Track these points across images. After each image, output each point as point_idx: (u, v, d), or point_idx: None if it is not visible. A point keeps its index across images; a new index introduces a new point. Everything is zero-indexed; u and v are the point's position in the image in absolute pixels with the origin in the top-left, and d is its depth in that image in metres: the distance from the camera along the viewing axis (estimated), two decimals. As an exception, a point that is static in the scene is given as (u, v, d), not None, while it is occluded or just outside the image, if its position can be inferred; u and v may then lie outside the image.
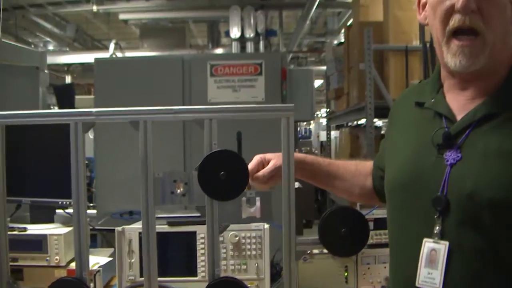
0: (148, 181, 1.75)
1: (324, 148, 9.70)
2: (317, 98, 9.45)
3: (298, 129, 12.07)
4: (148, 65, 4.96)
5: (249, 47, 7.37)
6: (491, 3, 1.44)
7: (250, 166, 1.84)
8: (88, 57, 8.97)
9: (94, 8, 8.10)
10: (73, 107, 6.76)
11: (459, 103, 1.54)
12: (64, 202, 2.79)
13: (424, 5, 1.62)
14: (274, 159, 1.85)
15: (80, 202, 1.64)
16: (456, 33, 1.46)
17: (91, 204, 5.12)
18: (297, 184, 2.62)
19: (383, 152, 1.84)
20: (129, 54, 9.34)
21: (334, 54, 6.54)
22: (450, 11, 1.46)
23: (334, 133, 8.92)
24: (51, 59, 10.20)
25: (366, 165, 1.98)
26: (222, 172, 1.66)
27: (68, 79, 11.06)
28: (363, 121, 5.98)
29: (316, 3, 7.32)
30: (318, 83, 13.41)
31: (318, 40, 11.93)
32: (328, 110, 8.56)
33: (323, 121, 13.35)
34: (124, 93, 4.81)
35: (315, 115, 18.91)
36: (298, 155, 1.94)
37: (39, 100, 4.75)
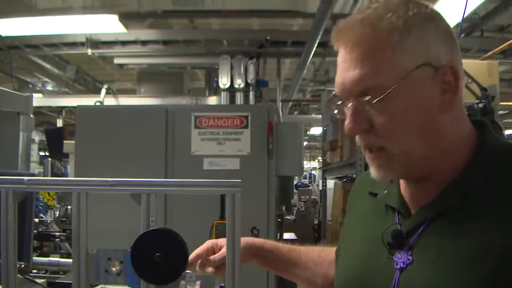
0: (80, 258, 1.61)
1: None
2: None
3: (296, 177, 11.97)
4: (132, 114, 4.85)
5: (238, 97, 7.27)
6: (384, 117, 1.25)
7: (199, 250, 1.70)
8: (83, 101, 8.88)
9: (89, 51, 8.05)
10: (61, 151, 6.70)
11: (414, 195, 1.36)
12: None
13: None
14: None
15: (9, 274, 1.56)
16: None
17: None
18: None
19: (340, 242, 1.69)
20: (123, 99, 9.26)
21: (329, 105, 6.46)
22: None
23: (331, 184, 8.81)
24: (46, 102, 10.19)
25: (330, 252, 1.80)
26: (157, 254, 1.51)
27: (60, 122, 10.99)
28: (356, 175, 5.83)
29: (312, 53, 7.26)
30: (319, 130, 13.38)
31: (320, 88, 11.85)
32: (323, 161, 8.45)
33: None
34: (106, 142, 4.70)
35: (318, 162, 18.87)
36: (256, 240, 1.82)
37: (19, 146, 4.63)
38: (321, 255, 1.81)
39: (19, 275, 2.90)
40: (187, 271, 1.57)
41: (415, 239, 1.28)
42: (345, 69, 1.27)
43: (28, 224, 2.50)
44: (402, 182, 1.41)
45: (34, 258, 3.82)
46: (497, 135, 1.35)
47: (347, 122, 1.27)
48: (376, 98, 1.23)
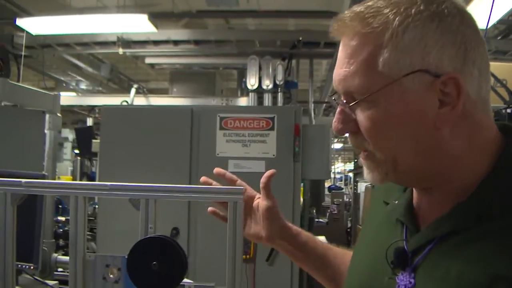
0: (77, 264, 1.57)
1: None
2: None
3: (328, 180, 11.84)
4: (157, 115, 4.81)
5: (267, 98, 7.18)
6: (368, 123, 1.14)
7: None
8: (114, 100, 8.90)
9: (120, 50, 8.06)
10: (90, 150, 6.71)
11: (426, 207, 1.24)
12: (25, 266, 2.62)
13: None
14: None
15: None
16: None
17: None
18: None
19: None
20: (153, 99, 9.26)
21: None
22: None
23: (363, 187, 8.70)
24: (77, 101, 10.26)
25: None
26: (154, 262, 1.45)
27: (90, 121, 11.06)
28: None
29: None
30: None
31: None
32: (355, 163, 8.36)
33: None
34: (131, 143, 4.67)
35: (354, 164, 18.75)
36: (293, 228, 1.72)
37: (47, 145, 4.62)
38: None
39: (28, 276, 2.89)
40: (185, 280, 1.50)
41: (419, 260, 1.16)
42: (338, 65, 1.18)
43: (38, 226, 2.47)
44: (415, 193, 1.29)
45: (59, 257, 3.83)
46: None
47: (334, 120, 1.20)
48: (357, 101, 1.14)
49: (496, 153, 1.16)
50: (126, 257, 1.48)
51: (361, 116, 1.14)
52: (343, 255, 1.71)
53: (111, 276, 1.57)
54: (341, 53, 1.17)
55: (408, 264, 1.17)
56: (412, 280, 1.15)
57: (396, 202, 1.33)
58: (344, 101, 1.17)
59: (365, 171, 1.23)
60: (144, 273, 1.45)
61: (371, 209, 1.56)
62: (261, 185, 1.59)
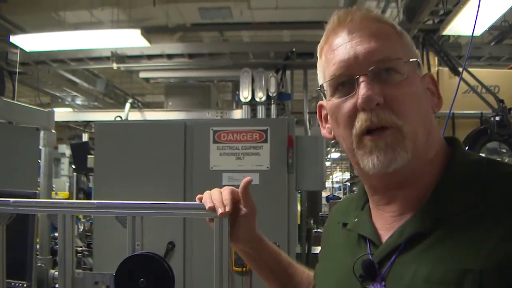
0: (66, 282, 1.57)
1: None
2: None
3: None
4: (150, 129, 4.81)
5: (260, 111, 7.18)
6: (400, 89, 1.22)
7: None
8: (108, 116, 8.88)
9: (114, 65, 8.07)
10: (86, 166, 6.72)
11: (385, 220, 1.30)
12: (18, 284, 2.62)
13: (326, 117, 1.40)
14: None
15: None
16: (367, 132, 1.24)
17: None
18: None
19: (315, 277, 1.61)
20: (148, 113, 9.26)
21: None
22: (353, 112, 1.24)
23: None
24: (72, 116, 10.26)
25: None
26: (141, 279, 1.46)
27: (85, 137, 11.06)
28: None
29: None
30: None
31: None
32: (351, 173, 8.36)
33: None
34: (125, 158, 4.67)
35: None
36: (265, 240, 1.72)
37: (42, 161, 4.64)
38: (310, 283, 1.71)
39: (21, 295, 2.89)
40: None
41: (387, 268, 1.21)
42: (356, 44, 1.26)
43: (30, 245, 2.48)
44: (373, 209, 1.35)
45: (56, 273, 3.83)
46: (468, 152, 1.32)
47: (364, 91, 1.21)
48: (393, 71, 1.24)
49: (444, 162, 1.27)
50: (114, 274, 1.49)
51: (396, 87, 1.23)
52: (302, 273, 1.75)
53: (100, 293, 1.58)
54: (360, 33, 1.27)
55: (377, 275, 1.21)
56: None
57: (356, 219, 1.38)
58: (374, 73, 1.23)
59: (379, 152, 1.22)
60: (132, 290, 1.46)
61: (327, 232, 1.61)
62: (239, 193, 1.59)
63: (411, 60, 1.27)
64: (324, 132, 1.44)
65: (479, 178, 1.20)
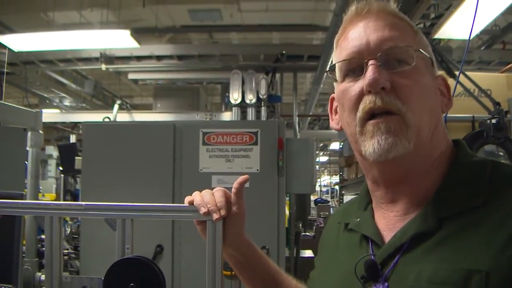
0: (53, 286, 1.53)
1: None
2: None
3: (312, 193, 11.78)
4: (139, 131, 4.75)
5: (250, 113, 7.15)
6: (408, 78, 1.22)
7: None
8: (97, 117, 8.83)
9: (103, 66, 8.03)
10: (73, 167, 6.65)
11: (389, 220, 1.28)
12: (4, 287, 2.57)
13: (336, 110, 1.40)
14: None
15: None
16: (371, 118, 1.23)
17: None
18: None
19: (312, 283, 1.57)
20: (137, 115, 9.22)
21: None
22: (359, 95, 1.24)
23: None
24: (60, 117, 10.21)
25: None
26: (131, 283, 1.42)
27: (73, 138, 11.00)
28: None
29: (328, 67, 7.16)
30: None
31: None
32: (340, 177, 8.34)
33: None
34: (113, 159, 4.61)
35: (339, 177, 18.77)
36: (253, 245, 1.64)
37: (29, 162, 4.58)
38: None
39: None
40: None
41: (391, 269, 1.18)
42: (370, 32, 1.27)
43: (16, 248, 2.43)
44: (376, 209, 1.33)
45: (42, 276, 3.78)
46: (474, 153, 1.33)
47: (371, 73, 1.21)
48: (404, 62, 1.24)
49: (448, 163, 1.27)
50: (103, 278, 1.44)
51: (405, 75, 1.23)
52: (289, 281, 1.68)
53: (88, 298, 1.54)
54: (376, 23, 1.28)
55: (380, 275, 1.19)
56: None
57: (358, 219, 1.37)
58: (384, 60, 1.24)
59: (382, 136, 1.21)
60: (121, 295, 1.41)
61: (326, 237, 1.57)
62: (232, 190, 1.54)
63: (422, 51, 1.27)
64: (332, 123, 1.44)
65: (484, 179, 1.19)
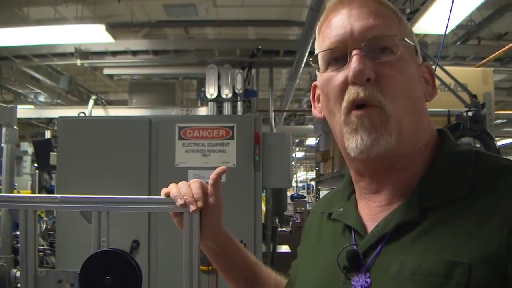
0: (28, 280, 1.51)
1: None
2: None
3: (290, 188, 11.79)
4: (114, 126, 4.72)
5: (226, 108, 7.14)
6: (393, 68, 1.21)
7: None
8: (72, 112, 8.74)
9: (78, 62, 7.96)
10: (49, 163, 6.59)
11: (372, 210, 1.27)
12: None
13: (319, 98, 1.38)
14: None
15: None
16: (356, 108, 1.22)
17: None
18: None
19: (295, 272, 1.56)
20: (112, 110, 9.16)
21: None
22: (343, 85, 1.22)
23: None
24: (35, 113, 10.11)
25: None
26: (108, 277, 1.41)
27: (48, 134, 10.90)
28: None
29: (303, 62, 7.17)
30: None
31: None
32: (316, 172, 8.36)
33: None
34: (88, 154, 4.58)
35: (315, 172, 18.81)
36: (231, 237, 1.64)
37: (4, 158, 4.52)
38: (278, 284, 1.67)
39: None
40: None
41: (373, 259, 1.18)
42: (354, 19, 1.25)
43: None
44: (360, 198, 1.33)
45: (18, 272, 3.74)
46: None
47: (356, 64, 1.20)
48: (388, 50, 1.23)
49: (432, 152, 1.26)
50: (78, 272, 1.43)
51: (389, 66, 1.22)
52: (268, 274, 1.69)
53: (64, 292, 1.53)
54: (359, 10, 1.25)
55: (362, 265, 1.19)
56: (368, 280, 1.17)
57: (341, 209, 1.36)
58: (368, 49, 1.22)
59: (367, 132, 1.20)
60: (97, 288, 1.40)
61: (309, 226, 1.56)
62: (209, 181, 1.54)
63: (407, 40, 1.26)
64: (315, 111, 1.42)
65: (468, 169, 1.18)
